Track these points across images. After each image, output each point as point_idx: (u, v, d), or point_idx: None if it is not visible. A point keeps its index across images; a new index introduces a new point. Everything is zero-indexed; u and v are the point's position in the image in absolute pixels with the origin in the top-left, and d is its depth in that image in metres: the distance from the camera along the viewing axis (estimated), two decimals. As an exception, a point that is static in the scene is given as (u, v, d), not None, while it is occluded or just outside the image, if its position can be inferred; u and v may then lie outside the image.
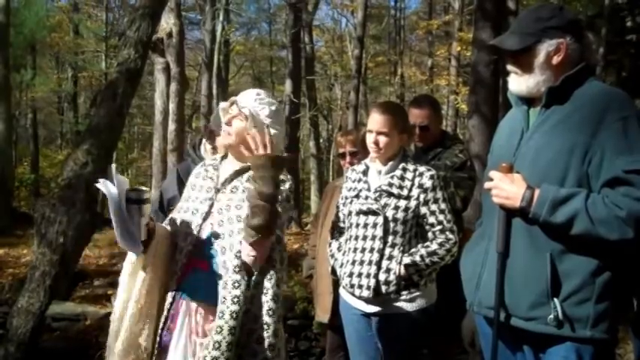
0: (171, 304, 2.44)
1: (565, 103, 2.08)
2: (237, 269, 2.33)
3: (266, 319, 2.34)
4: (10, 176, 13.40)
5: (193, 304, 2.41)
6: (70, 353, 5.04)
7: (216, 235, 2.41)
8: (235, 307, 2.29)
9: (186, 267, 2.43)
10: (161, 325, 2.44)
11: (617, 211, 1.90)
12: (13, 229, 11.15)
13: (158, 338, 2.43)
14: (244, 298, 2.32)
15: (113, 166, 2.30)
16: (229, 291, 2.30)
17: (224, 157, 2.63)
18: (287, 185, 2.43)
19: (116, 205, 2.22)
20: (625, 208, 1.89)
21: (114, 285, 6.95)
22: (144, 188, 2.35)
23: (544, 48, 2.09)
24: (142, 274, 2.40)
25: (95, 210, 4.59)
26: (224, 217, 2.41)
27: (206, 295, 2.37)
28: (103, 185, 2.23)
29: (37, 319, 4.23)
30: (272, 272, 2.39)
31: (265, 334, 2.33)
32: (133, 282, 2.41)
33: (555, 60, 2.10)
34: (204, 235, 2.44)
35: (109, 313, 6.23)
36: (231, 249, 2.35)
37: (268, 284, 2.37)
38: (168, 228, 2.52)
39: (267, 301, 2.35)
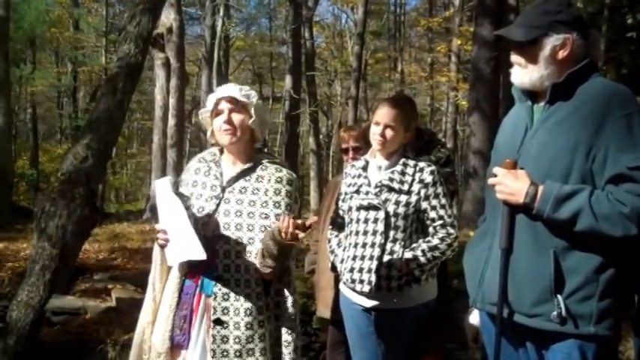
0: (187, 300, 2.45)
1: (569, 99, 2.07)
2: (256, 282, 2.43)
3: (286, 337, 2.49)
4: (9, 171, 13.39)
5: (210, 301, 2.42)
6: (70, 347, 5.04)
7: (226, 239, 2.42)
8: (250, 319, 2.40)
9: (201, 265, 2.43)
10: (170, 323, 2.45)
11: (621, 207, 1.90)
12: (12, 223, 11.14)
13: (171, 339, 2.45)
14: (261, 308, 2.44)
15: (169, 179, 2.39)
16: (253, 301, 2.41)
17: (221, 150, 2.60)
18: (294, 185, 2.53)
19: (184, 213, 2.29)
20: (629, 205, 1.89)
21: (114, 279, 6.96)
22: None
23: (551, 42, 2.08)
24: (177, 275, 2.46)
25: (95, 204, 4.57)
26: (231, 222, 2.43)
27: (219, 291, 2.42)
28: (170, 199, 2.31)
29: (36, 312, 4.22)
30: (288, 294, 2.52)
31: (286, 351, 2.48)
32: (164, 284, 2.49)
33: (561, 55, 2.08)
34: (209, 234, 2.43)
35: (109, 307, 6.22)
36: (245, 254, 2.42)
37: (288, 304, 2.51)
38: None
39: (287, 318, 2.49)
